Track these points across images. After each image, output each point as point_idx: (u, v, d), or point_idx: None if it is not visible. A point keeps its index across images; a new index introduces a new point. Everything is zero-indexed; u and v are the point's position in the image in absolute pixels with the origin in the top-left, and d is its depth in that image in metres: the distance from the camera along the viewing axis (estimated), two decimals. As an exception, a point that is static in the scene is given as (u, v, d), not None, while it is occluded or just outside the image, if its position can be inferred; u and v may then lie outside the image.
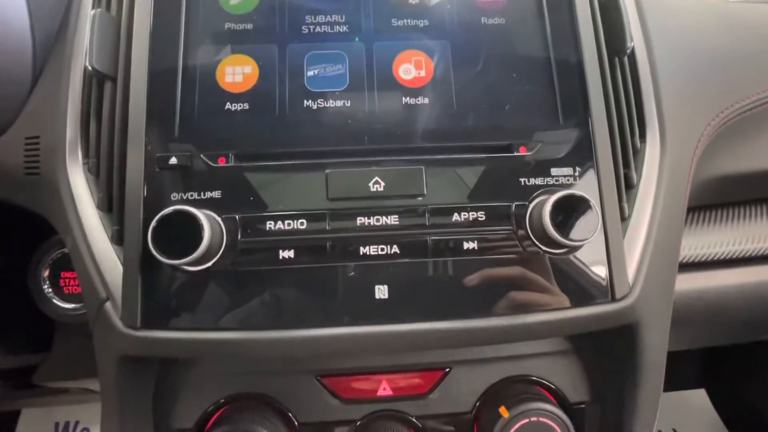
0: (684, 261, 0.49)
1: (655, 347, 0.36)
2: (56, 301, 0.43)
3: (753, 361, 1.05)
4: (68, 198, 0.35)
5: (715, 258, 0.49)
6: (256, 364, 0.38)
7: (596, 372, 0.39)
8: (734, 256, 0.50)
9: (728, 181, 0.48)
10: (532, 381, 0.39)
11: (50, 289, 0.43)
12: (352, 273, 0.32)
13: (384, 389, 0.38)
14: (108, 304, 0.31)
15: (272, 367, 0.38)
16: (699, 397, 1.16)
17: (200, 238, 0.28)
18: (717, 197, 0.51)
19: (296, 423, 0.37)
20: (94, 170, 0.35)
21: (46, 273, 0.42)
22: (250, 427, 0.35)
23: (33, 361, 0.51)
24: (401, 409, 0.38)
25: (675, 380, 1.20)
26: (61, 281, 0.43)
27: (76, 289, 0.43)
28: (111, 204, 0.34)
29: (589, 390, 0.39)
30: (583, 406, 0.39)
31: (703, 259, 0.49)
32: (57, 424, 1.19)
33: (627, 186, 0.36)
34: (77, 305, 0.43)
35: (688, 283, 0.49)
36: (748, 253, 0.50)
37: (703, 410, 1.14)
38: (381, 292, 0.31)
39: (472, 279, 0.32)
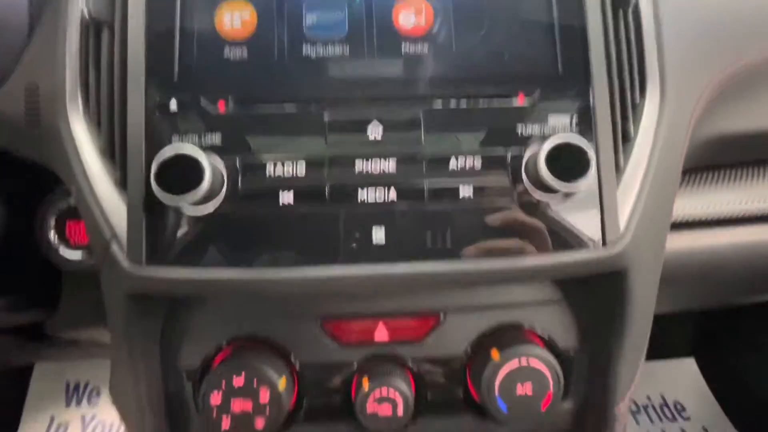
0: (678, 221, 0.49)
1: (643, 296, 0.37)
2: (63, 252, 0.44)
3: (743, 330, 1.08)
4: (70, 145, 0.35)
5: (711, 218, 0.50)
6: (259, 307, 0.39)
7: (585, 321, 0.41)
8: (730, 217, 0.50)
9: (727, 141, 0.48)
10: (523, 328, 0.40)
11: (57, 240, 0.44)
12: (351, 217, 0.32)
13: (380, 332, 0.40)
14: (114, 245, 0.33)
15: (274, 311, 0.39)
16: (688, 365, 1.20)
17: (201, 179, 0.29)
18: (714, 158, 0.51)
19: (297, 364, 0.39)
20: (94, 118, 0.36)
21: (53, 223, 0.44)
22: (254, 365, 0.36)
23: (42, 318, 0.53)
24: (397, 353, 0.40)
25: (665, 349, 1.24)
26: (67, 232, 0.44)
27: (82, 240, 0.44)
28: (113, 150, 0.35)
29: (578, 338, 0.41)
30: (572, 353, 0.41)
31: (698, 219, 0.50)
32: (68, 384, 1.24)
33: (624, 139, 0.37)
34: (84, 256, 0.44)
35: (681, 241, 0.49)
36: (745, 214, 0.50)
37: (691, 378, 1.18)
38: (378, 235, 0.32)
39: (466, 224, 0.33)
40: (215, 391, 0.37)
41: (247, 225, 0.32)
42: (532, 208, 0.33)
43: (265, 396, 0.37)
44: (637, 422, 1.12)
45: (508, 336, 0.40)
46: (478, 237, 0.33)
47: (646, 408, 1.16)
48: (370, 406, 0.38)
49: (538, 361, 0.37)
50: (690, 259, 0.50)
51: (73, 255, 0.44)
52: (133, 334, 0.36)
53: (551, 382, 0.38)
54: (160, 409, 0.38)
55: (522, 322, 0.40)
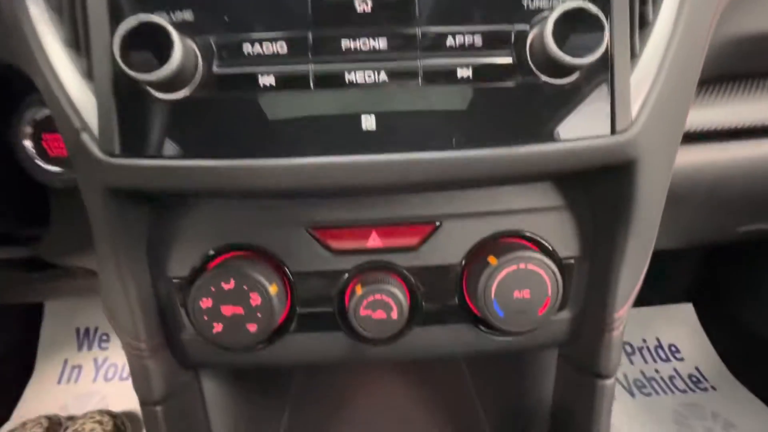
0: (691, 132, 0.46)
1: (651, 193, 0.35)
2: (42, 164, 0.42)
3: (741, 276, 1.08)
4: (33, 37, 0.32)
5: (722, 130, 0.47)
6: (247, 215, 0.38)
7: (587, 228, 0.39)
8: (743, 128, 0.47)
9: (747, 42, 0.44)
10: (522, 235, 0.39)
11: (34, 151, 0.42)
12: (337, 101, 0.30)
13: (373, 240, 0.38)
14: (84, 135, 0.30)
15: (264, 218, 0.38)
16: (685, 311, 1.21)
17: (170, 53, 0.26)
18: (732, 66, 0.47)
19: (289, 273, 0.38)
20: (55, 5, 0.32)
21: (29, 131, 0.41)
22: (244, 271, 0.35)
23: (34, 236, 0.52)
24: (391, 260, 0.39)
25: (663, 295, 1.25)
26: (44, 143, 0.42)
27: (60, 152, 0.42)
28: (78, 40, 0.32)
29: (579, 246, 0.39)
30: (572, 261, 0.39)
31: (712, 130, 0.47)
32: (78, 329, 1.27)
33: (641, 23, 0.33)
34: (64, 170, 0.43)
35: (690, 155, 0.47)
36: (757, 125, 0.47)
37: (688, 323, 1.19)
38: (368, 121, 0.30)
39: (465, 109, 0.30)
40: (205, 297, 0.36)
41: (225, 112, 0.30)
42: (537, 91, 0.30)
43: (256, 301, 0.36)
44: (632, 362, 1.14)
45: (506, 243, 0.38)
46: (477, 123, 0.30)
47: (641, 350, 1.18)
48: (364, 310, 0.37)
49: (537, 265, 0.36)
50: (700, 175, 0.48)
51: (53, 167, 0.42)
52: (116, 238, 0.34)
53: (549, 287, 0.36)
54: (152, 317, 0.38)
55: (521, 229, 0.39)
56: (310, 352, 0.40)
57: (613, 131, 0.31)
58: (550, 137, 0.30)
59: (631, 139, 0.31)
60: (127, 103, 0.30)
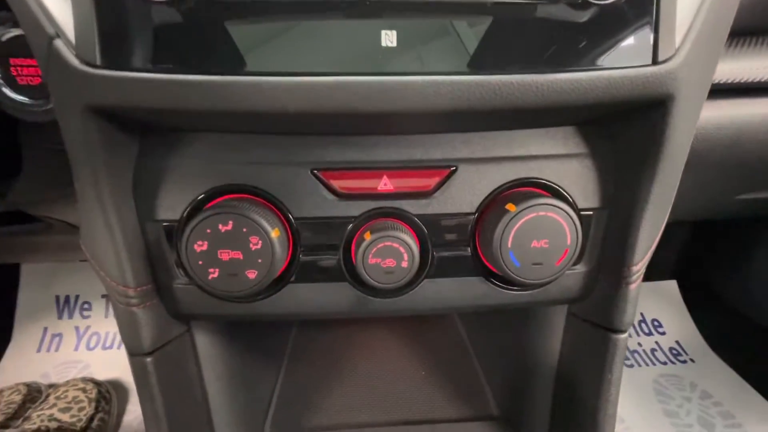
0: (716, 84, 0.44)
1: (682, 136, 0.33)
2: (9, 93, 0.37)
3: (724, 253, 1.10)
4: None
5: (746, 84, 0.45)
6: (245, 152, 0.34)
7: (608, 178, 0.37)
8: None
9: None
10: (541, 184, 0.37)
11: (1, 80, 0.37)
12: (357, 13, 0.26)
13: (384, 184, 0.35)
14: (58, 42, 0.26)
15: (265, 157, 0.34)
16: (669, 287, 1.24)
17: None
18: (762, 19, 0.45)
19: (291, 218, 0.35)
20: None
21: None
22: (243, 212, 0.32)
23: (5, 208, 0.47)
24: (401, 207, 0.36)
25: (649, 272, 1.28)
26: (12, 69, 0.37)
27: (31, 80, 0.38)
28: None
29: (598, 196, 0.37)
30: (591, 213, 0.37)
31: (737, 84, 0.45)
32: (57, 297, 1.22)
33: None
34: (35, 99, 0.38)
35: (713, 110, 0.45)
36: None
37: (671, 299, 1.23)
38: (388, 38, 0.26)
39: (496, 29, 0.27)
40: (200, 240, 0.33)
41: (223, 17, 0.26)
42: (576, 11, 0.27)
43: (256, 245, 0.33)
44: (615, 336, 1.18)
45: (525, 190, 0.36)
46: (509, 45, 0.27)
47: (626, 324, 1.21)
48: (373, 258, 0.34)
49: (558, 214, 0.34)
50: (720, 132, 0.46)
51: (22, 97, 0.38)
52: (98, 169, 0.30)
53: (569, 237, 0.34)
54: (140, 261, 0.34)
55: (540, 177, 0.36)
56: (311, 303, 0.37)
57: (654, 61, 0.28)
58: (586, 64, 0.28)
59: (672, 71, 0.28)
60: (111, 5, 0.25)
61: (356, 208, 0.36)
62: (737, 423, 0.91)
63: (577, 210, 0.37)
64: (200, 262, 0.33)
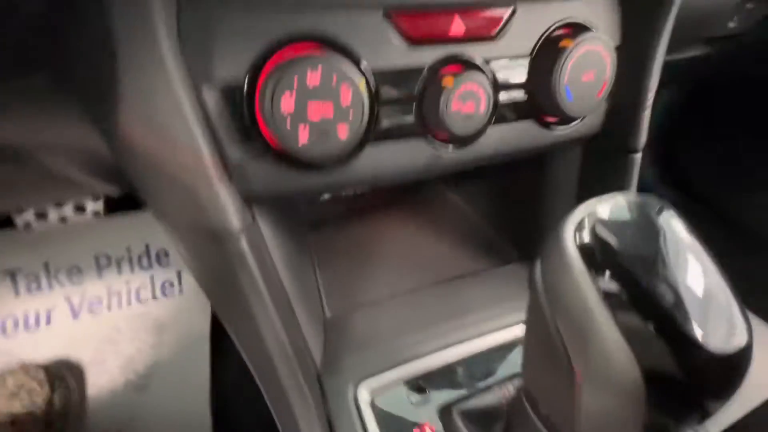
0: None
1: None
2: None
3: (699, 147, 1.11)
4: None
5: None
6: None
7: (631, 15, 0.42)
8: None
9: None
10: (582, 25, 0.40)
11: None
12: None
13: (456, 26, 0.34)
14: None
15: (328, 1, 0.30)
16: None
17: None
18: None
19: (365, 69, 0.33)
20: None
21: None
22: (332, 63, 0.29)
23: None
24: (471, 53, 0.36)
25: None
26: None
27: None
28: None
29: (621, 34, 0.42)
30: (617, 49, 0.42)
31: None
32: None
33: None
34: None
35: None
36: None
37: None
38: None
39: None
40: (288, 92, 0.29)
41: None
42: None
43: (347, 97, 0.30)
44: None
45: (572, 29, 0.39)
46: None
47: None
48: (456, 104, 0.35)
49: (604, 47, 0.38)
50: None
51: None
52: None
53: (609, 69, 0.39)
54: (207, 131, 0.29)
55: (578, 16, 0.40)
56: (389, 165, 0.36)
57: None
58: None
59: None
60: None
61: (428, 56, 0.34)
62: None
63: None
64: (288, 124, 0.29)
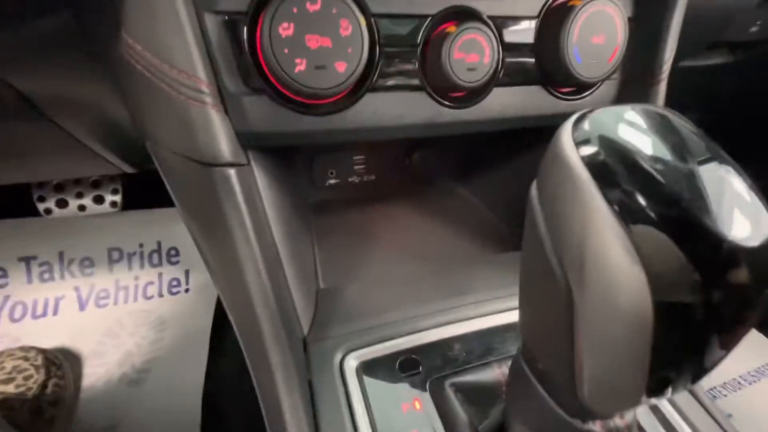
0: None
1: None
2: None
3: None
4: None
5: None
6: None
7: None
8: None
9: None
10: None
11: None
12: None
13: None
14: None
15: None
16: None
17: None
18: None
19: (367, 11, 0.33)
20: None
21: None
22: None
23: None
24: (475, 8, 0.36)
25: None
26: None
27: None
28: None
29: (633, 7, 0.42)
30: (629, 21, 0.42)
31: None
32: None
33: None
34: None
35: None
36: None
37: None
38: None
39: None
40: (286, 22, 0.29)
41: None
42: None
43: (346, 31, 0.31)
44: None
45: (579, -8, 0.39)
46: None
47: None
48: (458, 52, 0.34)
49: (614, 9, 0.37)
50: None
51: None
52: None
53: (620, 34, 0.38)
54: (206, 59, 0.29)
55: None
56: (389, 115, 0.36)
57: None
58: None
59: None
60: None
61: (433, 5, 0.35)
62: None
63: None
64: (285, 50, 0.29)
